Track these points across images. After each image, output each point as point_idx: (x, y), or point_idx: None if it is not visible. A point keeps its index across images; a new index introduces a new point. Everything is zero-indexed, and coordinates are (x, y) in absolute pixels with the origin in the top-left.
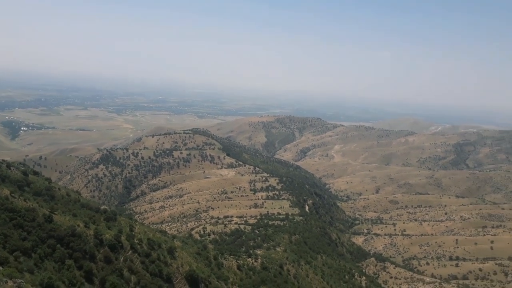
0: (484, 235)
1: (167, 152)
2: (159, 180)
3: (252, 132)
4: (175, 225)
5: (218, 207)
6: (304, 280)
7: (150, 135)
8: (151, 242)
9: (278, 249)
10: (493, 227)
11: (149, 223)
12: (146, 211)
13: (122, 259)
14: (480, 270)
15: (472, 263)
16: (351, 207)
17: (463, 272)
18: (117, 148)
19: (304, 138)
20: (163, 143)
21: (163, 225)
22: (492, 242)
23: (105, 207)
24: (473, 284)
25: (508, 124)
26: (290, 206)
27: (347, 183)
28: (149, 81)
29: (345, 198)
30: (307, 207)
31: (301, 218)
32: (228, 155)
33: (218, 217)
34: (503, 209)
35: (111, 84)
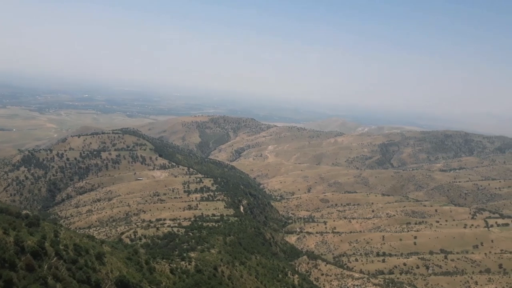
0: (408, 231)
1: (95, 153)
2: (86, 182)
3: (185, 132)
4: (104, 229)
5: (150, 210)
6: (238, 281)
7: (76, 135)
8: (77, 248)
9: (212, 251)
10: (416, 223)
11: (76, 228)
12: (72, 216)
13: (46, 266)
14: (405, 264)
15: (397, 258)
16: (285, 206)
17: (389, 267)
18: (40, 149)
19: (239, 138)
20: (90, 143)
21: (90, 230)
22: (415, 237)
23: (27, 211)
24: (398, 278)
25: (429, 126)
26: (225, 207)
27: (281, 182)
28: (74, 78)
29: (278, 197)
30: (242, 208)
31: (236, 218)
32: (160, 156)
33: (150, 220)
34: (424, 206)
35: (32, 81)
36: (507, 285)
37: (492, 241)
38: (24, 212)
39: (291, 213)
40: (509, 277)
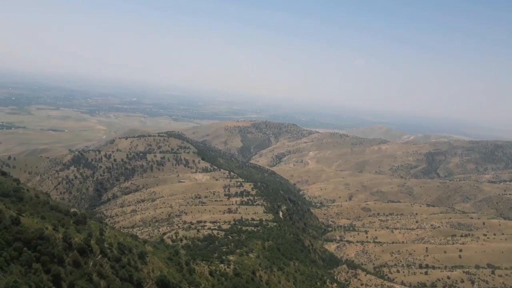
0: (453, 243)
1: (141, 154)
2: (131, 183)
3: (227, 137)
4: (147, 229)
5: (191, 212)
6: (276, 287)
7: (124, 137)
8: (121, 247)
9: (251, 255)
10: (462, 236)
11: (120, 227)
12: (117, 215)
13: (91, 263)
14: (448, 278)
15: (441, 271)
16: (325, 214)
17: (432, 280)
18: (89, 150)
19: (280, 143)
20: (137, 145)
21: (134, 230)
22: (460, 250)
23: (75, 209)
24: None
25: (477, 135)
26: (264, 212)
27: (321, 189)
28: (124, 82)
29: (318, 204)
30: (281, 213)
31: (275, 224)
32: (203, 159)
33: (191, 222)
34: (471, 218)
35: (84, 83)
36: None
37: None
38: (72, 210)
39: (331, 221)
40: None
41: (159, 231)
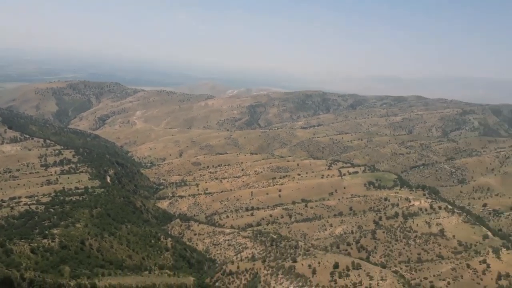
0: (274, 185)
1: None
2: None
3: (40, 101)
4: None
5: (1, 189)
6: (108, 252)
7: None
8: None
9: (78, 225)
10: (280, 178)
11: None
12: None
13: None
14: (271, 216)
15: (264, 211)
16: (156, 173)
17: (257, 219)
18: None
19: (102, 104)
20: None
21: None
22: (280, 190)
23: None
24: (265, 228)
25: (292, 87)
26: (89, 179)
27: (151, 149)
28: None
29: (149, 164)
30: (108, 178)
31: (102, 190)
32: (10, 128)
33: (2, 199)
34: (288, 161)
35: None
36: (355, 224)
37: (344, 187)
38: None
39: (163, 179)
40: (357, 217)
41: None
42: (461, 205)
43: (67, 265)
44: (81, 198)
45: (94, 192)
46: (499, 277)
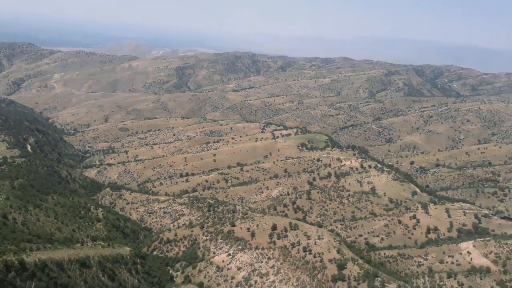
0: (208, 150)
1: None
2: None
3: None
4: None
5: None
6: (35, 225)
7: None
8: None
9: None
10: (214, 142)
11: None
12: None
13: None
14: (207, 181)
15: (199, 176)
16: (80, 140)
17: (193, 185)
18: None
19: (15, 67)
20: None
21: None
22: (214, 155)
23: None
24: (201, 194)
25: (221, 47)
26: (8, 148)
27: (73, 115)
28: None
29: (72, 131)
30: (29, 147)
31: (23, 159)
32: None
33: None
34: (221, 125)
35: None
36: (291, 185)
37: (278, 150)
38: None
39: (88, 147)
40: (292, 179)
41: None
42: (389, 163)
43: None
44: None
45: (14, 163)
46: (428, 230)
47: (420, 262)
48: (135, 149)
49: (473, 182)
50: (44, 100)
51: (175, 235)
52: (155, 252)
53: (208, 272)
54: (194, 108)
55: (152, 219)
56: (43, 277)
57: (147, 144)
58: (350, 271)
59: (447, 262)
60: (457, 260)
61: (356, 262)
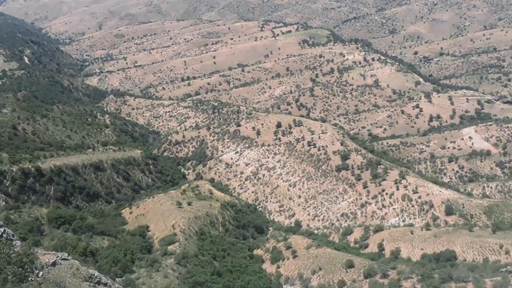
0: (207, 52)
1: None
2: None
3: None
4: None
5: None
6: (45, 134)
7: None
8: None
9: (5, 110)
10: (213, 44)
11: None
12: None
13: None
14: (208, 84)
15: (201, 80)
16: (77, 49)
17: (195, 89)
18: None
19: None
20: None
21: None
22: (214, 57)
23: None
24: (204, 97)
25: None
26: (5, 61)
27: (66, 23)
28: None
29: (67, 40)
30: (26, 59)
31: (22, 72)
32: None
33: None
34: (218, 25)
35: None
36: (293, 84)
37: (279, 48)
38: None
39: (86, 55)
40: (295, 77)
41: None
42: (393, 55)
43: (4, 152)
44: (1, 83)
45: (14, 75)
46: (430, 119)
47: (422, 149)
48: (133, 55)
49: (477, 69)
50: (33, 10)
51: (183, 136)
52: (165, 153)
53: (218, 169)
54: (189, 9)
55: (159, 122)
56: (61, 181)
57: (144, 50)
58: (354, 161)
59: (448, 148)
60: (458, 145)
61: (359, 152)
